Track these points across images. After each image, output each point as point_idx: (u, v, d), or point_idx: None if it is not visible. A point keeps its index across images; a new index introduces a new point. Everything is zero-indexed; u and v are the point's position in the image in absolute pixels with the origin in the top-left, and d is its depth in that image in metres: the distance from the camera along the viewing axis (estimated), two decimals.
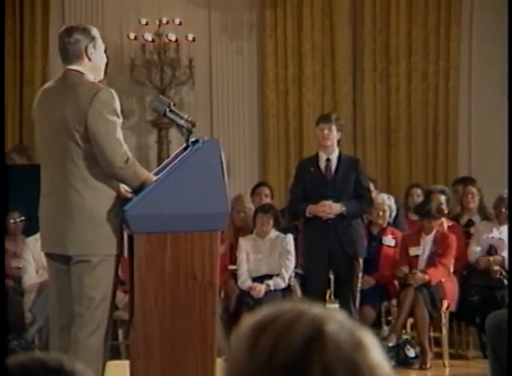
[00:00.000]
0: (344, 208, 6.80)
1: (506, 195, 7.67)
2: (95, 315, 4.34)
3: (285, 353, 1.22)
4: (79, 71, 4.44)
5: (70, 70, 4.46)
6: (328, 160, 6.99)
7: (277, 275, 7.40)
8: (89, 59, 4.46)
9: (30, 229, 7.63)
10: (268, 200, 8.36)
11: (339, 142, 7.20)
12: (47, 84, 4.64)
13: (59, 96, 4.41)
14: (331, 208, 6.78)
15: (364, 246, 7.07)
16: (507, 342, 5.10)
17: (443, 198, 8.13)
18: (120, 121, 4.36)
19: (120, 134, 4.33)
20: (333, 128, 6.96)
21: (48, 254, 4.54)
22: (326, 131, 6.94)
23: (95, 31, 4.54)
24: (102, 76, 4.56)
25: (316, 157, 7.05)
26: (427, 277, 7.27)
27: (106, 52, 4.61)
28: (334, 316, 1.27)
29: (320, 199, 6.83)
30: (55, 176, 4.42)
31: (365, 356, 1.24)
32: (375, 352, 1.26)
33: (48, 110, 4.44)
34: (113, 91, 4.41)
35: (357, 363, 1.23)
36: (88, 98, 4.30)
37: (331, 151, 7.00)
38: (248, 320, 1.29)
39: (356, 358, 1.24)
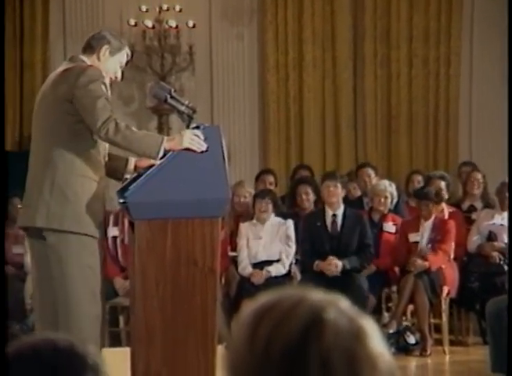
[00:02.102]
0: (346, 262, 7.31)
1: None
2: (82, 294, 4.32)
3: (283, 341, 1.21)
4: (83, 61, 4.46)
5: (77, 56, 4.50)
6: (334, 215, 7.48)
7: (277, 261, 7.40)
8: (98, 58, 4.49)
9: None
10: (272, 188, 8.37)
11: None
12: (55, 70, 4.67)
13: (55, 77, 4.45)
14: (336, 267, 7.26)
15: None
16: (507, 332, 5.10)
17: (443, 184, 8.13)
18: (107, 96, 4.34)
19: (106, 103, 4.28)
20: (338, 185, 7.47)
21: (26, 232, 4.53)
22: (331, 189, 7.45)
23: (125, 47, 4.58)
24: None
25: (323, 212, 7.52)
26: (427, 264, 7.27)
27: (123, 73, 4.61)
28: (335, 303, 1.26)
29: (326, 253, 7.35)
30: (37, 153, 4.43)
31: (364, 345, 1.23)
32: (375, 340, 1.24)
33: (44, 91, 4.48)
34: (103, 71, 4.41)
35: (356, 351, 1.22)
36: (76, 74, 4.33)
37: (337, 207, 7.48)
38: (248, 307, 1.28)
39: (355, 347, 1.22)
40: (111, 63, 4.52)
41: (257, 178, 8.76)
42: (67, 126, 4.35)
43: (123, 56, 4.56)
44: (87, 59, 4.49)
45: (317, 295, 1.27)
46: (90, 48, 4.51)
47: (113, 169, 4.57)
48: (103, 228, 4.50)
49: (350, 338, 1.22)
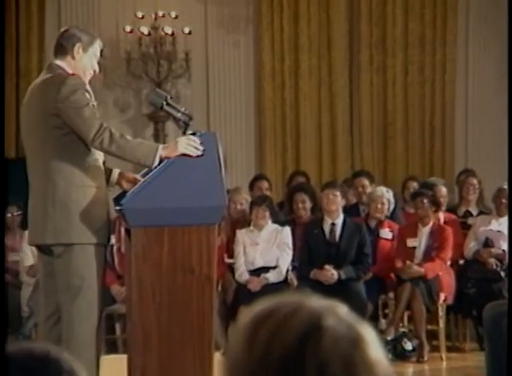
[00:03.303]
0: (342, 273, 7.25)
1: (505, 186, 7.67)
2: (82, 303, 4.36)
3: (281, 347, 1.21)
4: (60, 66, 4.46)
5: (53, 63, 4.50)
6: (333, 224, 7.43)
7: (274, 267, 7.39)
8: (73, 57, 4.47)
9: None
10: (268, 194, 8.36)
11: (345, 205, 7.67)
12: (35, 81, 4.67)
13: (36, 89, 4.45)
14: (333, 277, 7.20)
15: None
16: (507, 339, 5.10)
17: (444, 190, 8.17)
18: (92, 102, 4.34)
19: (92, 110, 4.29)
20: (338, 193, 7.43)
21: (37, 246, 4.58)
22: (331, 197, 7.42)
23: (95, 39, 4.55)
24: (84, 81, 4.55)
25: (321, 220, 7.49)
26: (422, 270, 7.26)
27: (99, 64, 4.60)
28: (334, 310, 1.25)
29: (323, 262, 7.29)
30: (34, 169, 4.45)
31: (362, 352, 1.22)
32: (374, 347, 1.24)
33: (27, 105, 4.48)
34: (80, 69, 4.42)
35: (353, 358, 1.21)
36: (57, 85, 4.32)
37: (336, 216, 7.45)
38: (246, 314, 1.28)
39: (353, 354, 1.21)
40: (87, 59, 4.50)
41: (251, 185, 8.72)
42: (57, 139, 4.35)
43: (96, 48, 4.54)
44: (62, 62, 4.47)
45: (316, 302, 1.26)
46: (62, 49, 4.48)
47: None
48: (109, 232, 4.52)
49: (348, 344, 1.22)
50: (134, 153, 4.27)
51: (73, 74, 4.41)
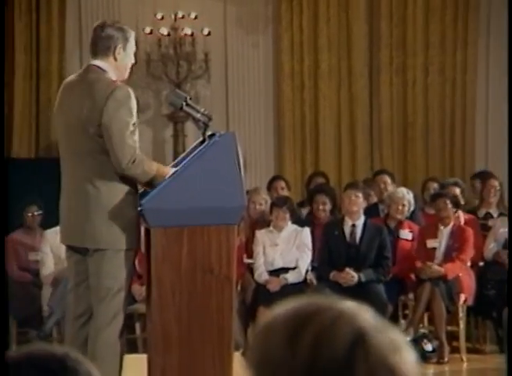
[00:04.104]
0: (362, 275, 7.22)
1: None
2: (112, 305, 4.38)
3: (328, 356, 1.22)
4: (101, 68, 4.46)
5: (93, 65, 4.49)
6: (353, 225, 7.38)
7: (293, 268, 7.39)
8: (115, 59, 4.49)
9: (49, 221, 7.65)
10: (284, 193, 8.35)
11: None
12: (69, 79, 4.67)
13: (78, 92, 4.45)
14: (352, 280, 7.17)
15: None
16: (507, 336, 5.07)
17: (457, 190, 8.11)
18: (134, 120, 4.37)
19: (132, 134, 4.34)
20: (360, 195, 7.40)
21: (68, 246, 4.60)
22: (353, 198, 7.37)
23: (130, 33, 4.57)
24: (125, 77, 4.58)
25: (342, 222, 7.44)
26: (442, 270, 7.24)
27: (135, 54, 4.63)
28: (371, 316, 1.27)
29: (342, 263, 7.26)
30: (73, 171, 4.47)
31: (403, 359, 1.25)
32: (410, 354, 1.27)
33: (66, 106, 4.48)
34: (130, 90, 4.43)
35: (397, 366, 1.24)
36: (104, 96, 4.33)
37: (357, 217, 7.40)
38: (276, 313, 1.27)
39: (396, 361, 1.24)
40: (127, 56, 4.54)
41: (269, 186, 8.70)
42: (99, 145, 4.39)
43: (132, 43, 4.58)
44: (103, 63, 4.47)
45: (353, 307, 1.27)
46: (101, 51, 4.49)
47: None
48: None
49: (390, 353, 1.24)
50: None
51: (116, 81, 4.43)
